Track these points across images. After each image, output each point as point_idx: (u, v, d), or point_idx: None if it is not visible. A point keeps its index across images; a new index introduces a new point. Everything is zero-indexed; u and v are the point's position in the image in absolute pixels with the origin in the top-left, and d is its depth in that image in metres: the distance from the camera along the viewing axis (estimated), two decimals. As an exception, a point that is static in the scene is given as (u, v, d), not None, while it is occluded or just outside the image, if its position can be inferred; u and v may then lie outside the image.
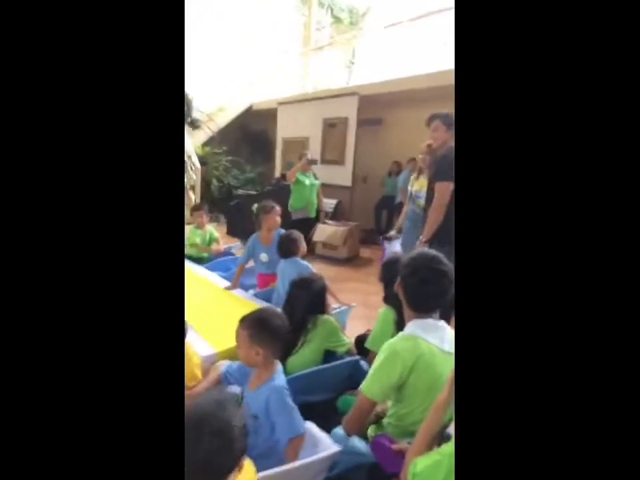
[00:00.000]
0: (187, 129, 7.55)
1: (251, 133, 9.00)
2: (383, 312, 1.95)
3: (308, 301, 2.01)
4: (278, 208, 3.03)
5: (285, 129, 7.28)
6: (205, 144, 8.17)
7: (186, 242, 3.69)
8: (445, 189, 2.36)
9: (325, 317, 2.05)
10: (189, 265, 3.36)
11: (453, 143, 2.46)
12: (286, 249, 2.65)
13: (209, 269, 3.37)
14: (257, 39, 9.33)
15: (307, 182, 4.54)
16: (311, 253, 4.89)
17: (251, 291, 2.96)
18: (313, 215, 4.73)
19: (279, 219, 3.03)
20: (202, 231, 3.85)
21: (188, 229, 3.80)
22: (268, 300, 2.68)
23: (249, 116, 8.78)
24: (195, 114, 7.82)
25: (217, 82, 8.94)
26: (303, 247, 2.71)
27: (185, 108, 8.08)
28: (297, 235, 2.70)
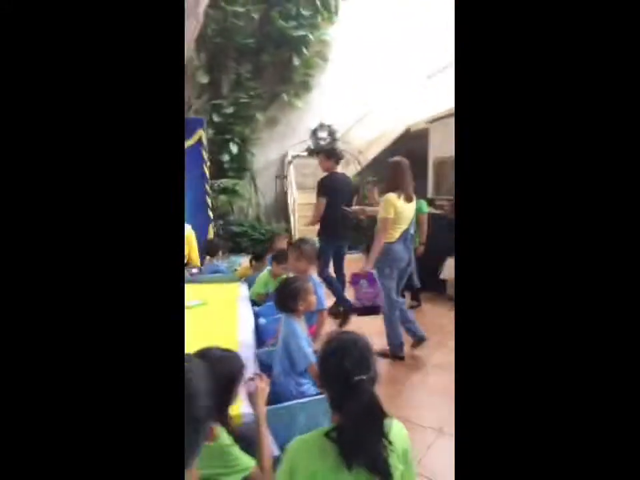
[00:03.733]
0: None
1: (406, 156, 8.61)
2: None
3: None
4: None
5: (437, 148, 6.74)
6: (356, 174, 8.08)
7: (257, 289, 3.23)
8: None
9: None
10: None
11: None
12: (282, 301, 2.03)
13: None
14: (406, 60, 9.02)
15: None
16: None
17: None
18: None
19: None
20: (274, 280, 3.10)
21: (262, 275, 3.29)
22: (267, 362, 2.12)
23: (404, 139, 8.42)
24: (341, 145, 7.82)
25: (368, 111, 8.86)
26: (310, 301, 2.08)
27: (329, 139, 8.19)
28: (301, 284, 2.06)
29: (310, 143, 8.39)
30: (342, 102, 8.64)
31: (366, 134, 8.66)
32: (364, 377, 1.03)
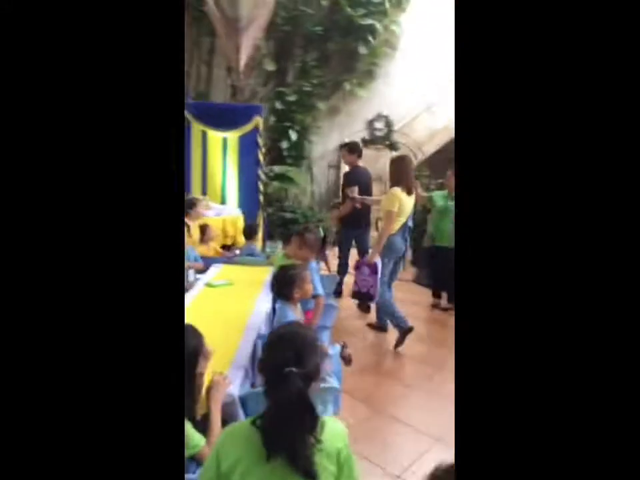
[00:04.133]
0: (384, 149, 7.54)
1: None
2: None
3: None
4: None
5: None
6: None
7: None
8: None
9: None
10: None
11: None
12: (278, 288, 2.09)
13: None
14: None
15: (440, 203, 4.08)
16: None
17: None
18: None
19: None
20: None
21: (277, 257, 3.42)
22: None
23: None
24: (398, 138, 7.64)
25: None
26: (305, 289, 2.11)
27: (385, 130, 8.02)
28: (297, 272, 2.07)
29: (365, 134, 8.30)
30: (406, 93, 8.41)
31: (429, 126, 8.38)
32: (294, 370, 1.04)
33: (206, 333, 2.24)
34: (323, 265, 3.97)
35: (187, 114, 5.63)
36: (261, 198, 6.05)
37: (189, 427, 1.27)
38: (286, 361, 1.06)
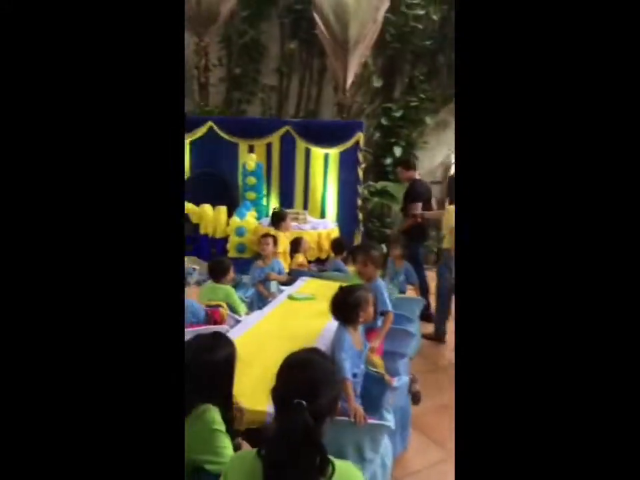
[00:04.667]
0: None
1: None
2: None
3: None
4: None
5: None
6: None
7: None
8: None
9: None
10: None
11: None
12: (339, 311, 2.03)
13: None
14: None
15: None
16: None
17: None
18: None
19: None
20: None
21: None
22: None
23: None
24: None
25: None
26: (369, 312, 2.03)
27: None
28: (362, 294, 2.00)
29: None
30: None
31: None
32: (303, 402, 0.95)
33: (272, 346, 2.30)
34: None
35: (291, 132, 5.93)
36: (360, 214, 6.06)
37: (223, 437, 1.27)
38: (297, 392, 0.97)
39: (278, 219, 4.31)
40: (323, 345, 2.27)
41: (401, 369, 2.47)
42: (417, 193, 4.45)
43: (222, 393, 1.36)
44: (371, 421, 1.64)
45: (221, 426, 1.29)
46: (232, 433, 1.33)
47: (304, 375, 1.02)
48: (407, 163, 4.84)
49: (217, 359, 1.33)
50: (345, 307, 1.94)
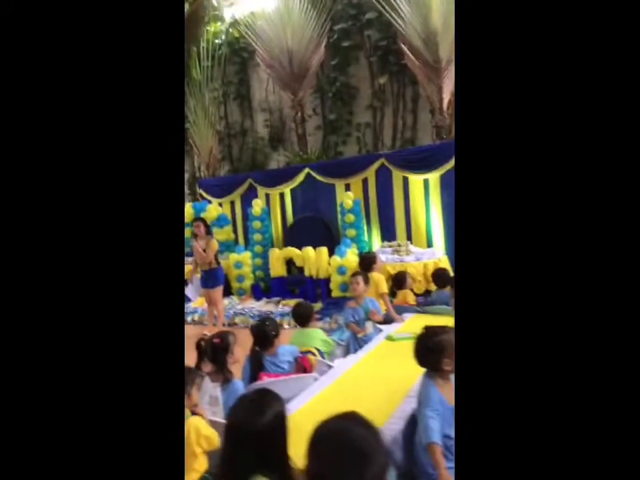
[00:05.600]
0: None
1: None
2: None
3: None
4: None
5: None
6: None
7: None
8: None
9: None
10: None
11: None
12: (422, 355, 1.72)
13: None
14: None
15: None
16: None
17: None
18: None
19: None
20: None
21: None
22: None
23: None
24: None
25: None
26: None
27: None
28: (447, 338, 1.61)
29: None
30: None
31: None
32: None
33: (362, 395, 2.07)
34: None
35: (386, 164, 5.80)
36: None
37: None
38: (330, 469, 0.80)
39: (368, 262, 3.84)
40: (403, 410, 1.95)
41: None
42: None
43: (276, 458, 1.19)
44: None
45: None
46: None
47: (336, 449, 0.83)
48: None
49: (264, 420, 1.18)
50: (427, 353, 1.62)
